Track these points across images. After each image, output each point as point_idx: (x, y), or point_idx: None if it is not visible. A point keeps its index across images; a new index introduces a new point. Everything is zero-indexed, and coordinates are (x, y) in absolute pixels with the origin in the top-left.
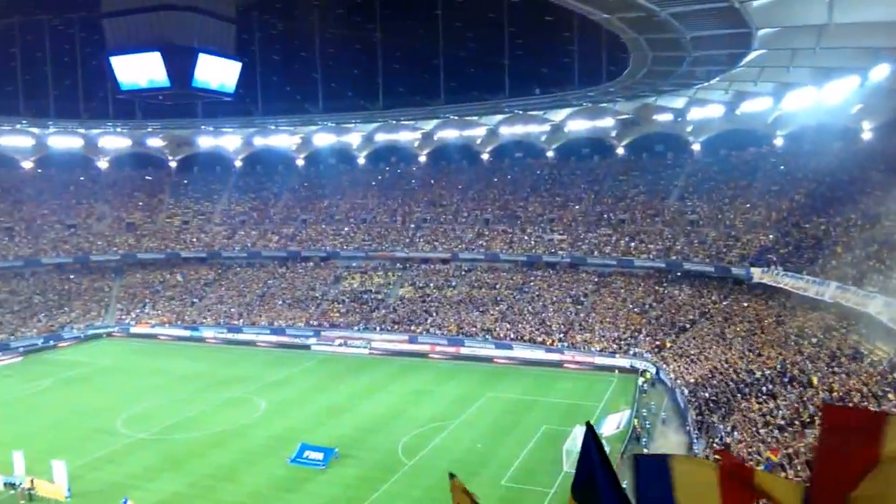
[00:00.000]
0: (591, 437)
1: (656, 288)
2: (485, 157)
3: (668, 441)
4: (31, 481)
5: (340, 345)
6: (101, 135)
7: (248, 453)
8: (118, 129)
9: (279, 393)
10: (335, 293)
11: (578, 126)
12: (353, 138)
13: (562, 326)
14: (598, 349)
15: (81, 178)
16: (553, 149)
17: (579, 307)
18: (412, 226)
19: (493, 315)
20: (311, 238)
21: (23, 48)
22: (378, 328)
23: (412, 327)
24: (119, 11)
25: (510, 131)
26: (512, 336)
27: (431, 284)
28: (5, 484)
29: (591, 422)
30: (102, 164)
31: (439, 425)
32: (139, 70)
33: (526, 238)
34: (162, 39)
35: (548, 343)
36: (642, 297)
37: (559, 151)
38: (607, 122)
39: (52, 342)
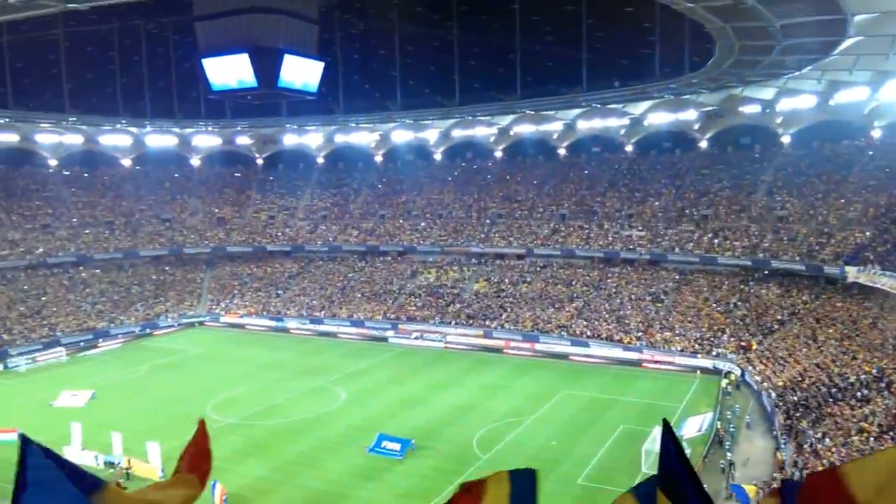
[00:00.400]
0: (669, 434)
1: (741, 287)
2: (561, 151)
3: (753, 446)
4: (129, 461)
5: (417, 338)
6: (193, 134)
7: (328, 441)
8: (209, 129)
9: (358, 383)
10: (412, 287)
11: (659, 119)
12: (430, 134)
13: (640, 325)
14: (678, 349)
15: (176, 175)
16: (632, 143)
17: (659, 305)
18: (487, 221)
19: (568, 312)
20: (388, 233)
21: (121, 52)
22: (453, 322)
23: (487, 322)
24: (210, 15)
25: (588, 125)
26: (588, 333)
27: (506, 280)
28: (105, 462)
29: (672, 423)
30: (195, 161)
31: (514, 420)
32: (229, 71)
33: (603, 234)
34: (250, 41)
35: (625, 341)
36: (726, 296)
37: (638, 145)
38: (690, 114)
39: (148, 330)
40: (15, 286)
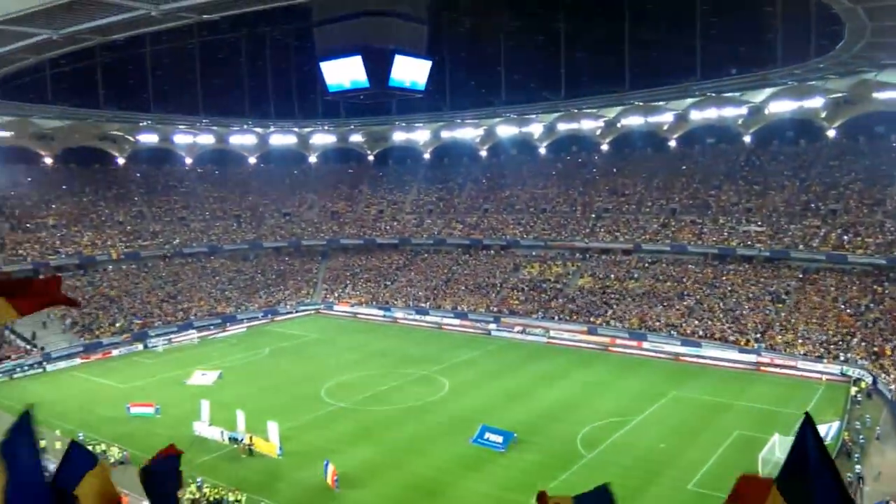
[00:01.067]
0: (810, 427)
1: (875, 287)
2: (672, 143)
3: (884, 459)
4: (251, 438)
5: (519, 332)
6: (312, 133)
7: (432, 429)
8: (326, 128)
9: (461, 374)
10: (514, 281)
11: (781, 107)
12: (535, 128)
13: (758, 326)
14: (801, 353)
15: (295, 172)
16: (750, 133)
17: (780, 306)
18: (593, 215)
19: (678, 310)
20: (492, 227)
21: (248, 58)
22: (556, 317)
23: (591, 318)
24: (327, 20)
25: (701, 116)
26: (700, 333)
27: (612, 276)
28: (230, 438)
29: (793, 431)
30: (312, 158)
31: (620, 420)
32: (343, 73)
33: (717, 229)
34: (363, 44)
35: (741, 343)
36: (857, 297)
37: (758, 135)
38: (816, 102)
39: (269, 316)
40: (155, 273)
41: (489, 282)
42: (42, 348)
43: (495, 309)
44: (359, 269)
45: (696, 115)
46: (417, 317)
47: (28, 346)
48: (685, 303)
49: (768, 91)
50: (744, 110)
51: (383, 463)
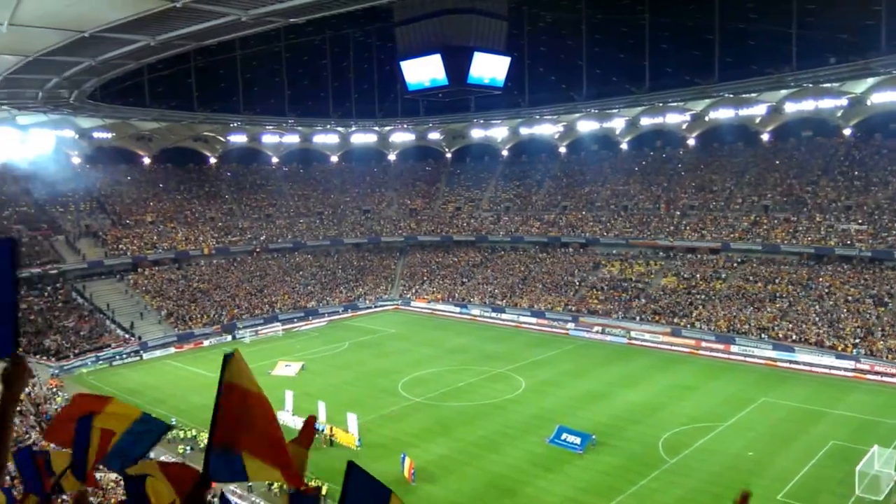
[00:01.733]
0: None
1: None
2: (764, 137)
3: None
4: (331, 429)
5: (598, 332)
6: (391, 131)
7: (508, 428)
8: (405, 126)
9: (538, 373)
10: (593, 280)
11: (886, 98)
12: (617, 123)
13: (858, 330)
14: None
15: (375, 170)
16: (851, 125)
17: (882, 309)
18: (677, 213)
19: (770, 312)
20: (570, 224)
21: (332, 60)
22: (637, 318)
23: (675, 320)
24: (408, 19)
25: (797, 108)
26: (794, 337)
27: (698, 275)
28: None
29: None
30: (391, 156)
31: (705, 426)
32: (423, 72)
33: (814, 227)
34: (443, 42)
35: (839, 348)
36: None
37: (859, 128)
38: None
39: (349, 311)
40: (243, 268)
41: (567, 280)
42: (139, 338)
43: (573, 308)
44: (436, 266)
45: (791, 107)
46: (494, 314)
47: (126, 336)
48: (777, 305)
49: (870, 81)
50: (843, 101)
51: (459, 459)
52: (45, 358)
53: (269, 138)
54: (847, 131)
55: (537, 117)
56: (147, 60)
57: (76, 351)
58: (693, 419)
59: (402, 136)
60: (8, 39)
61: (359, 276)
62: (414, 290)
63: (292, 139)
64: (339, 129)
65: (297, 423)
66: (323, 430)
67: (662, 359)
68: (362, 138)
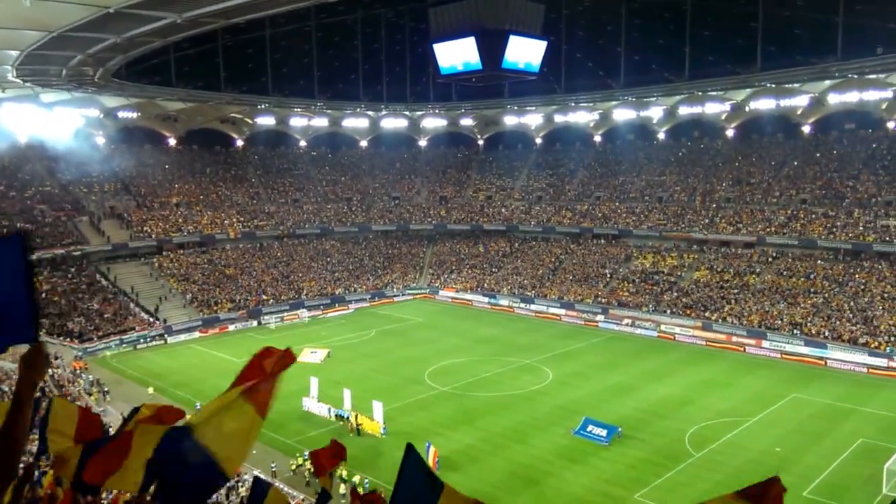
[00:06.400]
0: None
1: None
2: (805, 129)
3: None
4: (356, 416)
5: (628, 325)
6: (422, 116)
7: (535, 419)
8: (437, 111)
9: (565, 365)
10: (625, 272)
11: None
12: (654, 112)
13: (892, 328)
14: None
15: (405, 156)
16: (895, 118)
17: None
18: (713, 205)
19: (804, 308)
20: (603, 215)
21: (363, 41)
22: (668, 311)
23: (707, 314)
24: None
25: (840, 99)
26: (826, 334)
27: (731, 269)
28: (336, 416)
29: None
30: (422, 142)
31: (733, 420)
32: (456, 55)
33: (853, 222)
34: (478, 24)
35: (872, 346)
36: None
37: None
38: None
39: (376, 298)
40: (269, 253)
41: (598, 272)
42: (164, 321)
43: (604, 300)
44: (465, 255)
45: (834, 99)
46: (523, 305)
47: (151, 319)
48: (811, 301)
49: None
50: (889, 93)
51: (484, 449)
52: (68, 340)
53: (297, 121)
54: (891, 124)
55: (573, 104)
56: (173, 38)
57: (100, 334)
58: (721, 414)
59: (434, 122)
60: (31, 14)
61: (387, 264)
62: (442, 279)
63: (321, 122)
64: (370, 112)
65: (321, 410)
66: (347, 417)
67: (692, 353)
68: (393, 123)
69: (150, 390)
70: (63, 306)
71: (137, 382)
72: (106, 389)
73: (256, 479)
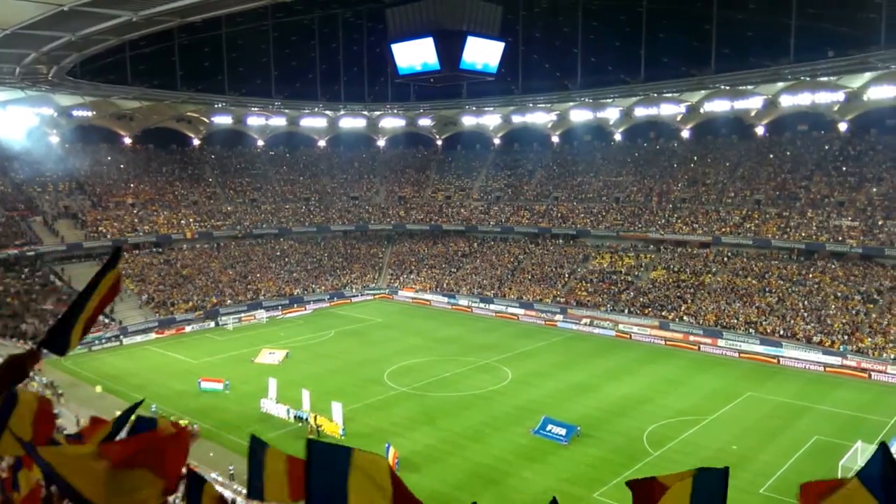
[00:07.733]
0: (886, 460)
1: None
2: (759, 130)
3: None
4: (315, 417)
5: (587, 324)
6: (381, 116)
7: (494, 418)
8: (395, 111)
9: (524, 365)
10: (583, 272)
11: (883, 93)
12: (610, 113)
13: (845, 327)
14: (893, 356)
15: (363, 156)
16: (847, 120)
17: (871, 307)
18: (669, 206)
19: (759, 307)
20: (561, 215)
21: (321, 40)
22: (626, 311)
23: (664, 313)
24: (400, 0)
25: (793, 101)
26: (781, 333)
27: (688, 269)
28: (295, 417)
29: (878, 440)
30: (381, 142)
31: (690, 419)
32: (415, 55)
33: (805, 223)
34: (435, 25)
35: (826, 344)
36: None
37: (856, 123)
38: None
39: (335, 299)
40: (227, 253)
41: (556, 272)
42: (119, 322)
43: (562, 300)
44: (424, 255)
45: (787, 101)
46: (482, 305)
47: (106, 320)
48: (766, 300)
49: (868, 76)
50: (840, 96)
51: (443, 449)
52: (21, 341)
53: (254, 120)
54: (842, 126)
55: (530, 105)
56: (129, 37)
57: None
58: (678, 412)
59: (392, 122)
60: None
61: (345, 265)
62: (402, 280)
63: (279, 122)
64: (328, 112)
65: (279, 412)
66: (306, 419)
67: (650, 352)
68: (351, 123)
69: (98, 389)
70: (16, 307)
71: (92, 384)
72: (60, 392)
73: (192, 473)
